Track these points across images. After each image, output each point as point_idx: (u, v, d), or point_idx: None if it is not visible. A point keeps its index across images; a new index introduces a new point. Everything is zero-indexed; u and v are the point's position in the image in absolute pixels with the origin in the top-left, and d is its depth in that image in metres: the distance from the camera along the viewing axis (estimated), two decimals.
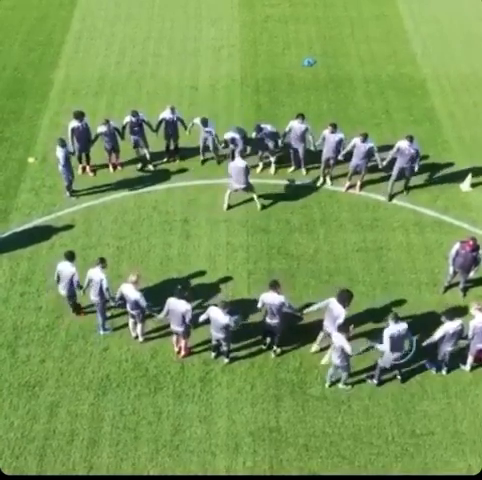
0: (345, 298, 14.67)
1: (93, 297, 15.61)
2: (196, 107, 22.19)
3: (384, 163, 19.03)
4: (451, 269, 16.59)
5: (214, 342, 15.32)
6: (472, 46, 25.24)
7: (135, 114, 19.22)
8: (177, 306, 14.73)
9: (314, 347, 15.82)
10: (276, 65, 24.26)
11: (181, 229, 18.54)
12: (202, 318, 14.95)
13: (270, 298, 14.86)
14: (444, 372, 15.42)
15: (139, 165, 20.40)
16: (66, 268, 15.57)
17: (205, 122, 19.48)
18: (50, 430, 14.44)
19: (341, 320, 14.54)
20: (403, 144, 18.58)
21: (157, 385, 15.22)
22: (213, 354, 15.69)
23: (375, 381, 15.18)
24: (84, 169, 20.01)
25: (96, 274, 15.31)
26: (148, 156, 20.22)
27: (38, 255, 17.81)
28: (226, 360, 15.61)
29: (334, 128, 18.85)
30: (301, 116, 19.16)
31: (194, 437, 14.37)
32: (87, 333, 16.14)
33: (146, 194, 19.57)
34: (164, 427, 14.54)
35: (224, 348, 15.33)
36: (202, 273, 17.40)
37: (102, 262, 15.36)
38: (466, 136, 21.60)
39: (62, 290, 15.89)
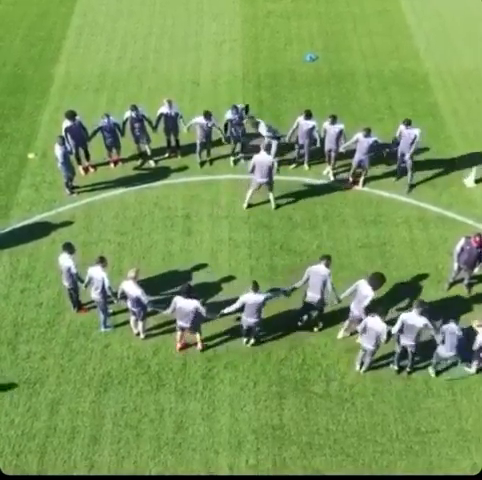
0: (376, 281, 14.82)
1: (94, 295, 15.46)
2: (197, 102, 22.03)
3: (387, 149, 19.24)
4: (456, 265, 16.45)
5: (245, 328, 15.28)
6: (475, 42, 25.08)
7: (134, 108, 19.03)
8: (185, 305, 14.60)
9: (341, 333, 15.81)
10: (278, 60, 24.11)
11: (183, 225, 18.39)
12: (235, 306, 14.86)
13: (317, 269, 15.02)
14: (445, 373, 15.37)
15: (140, 161, 20.24)
16: (65, 261, 15.44)
17: (209, 115, 19.22)
18: (51, 428, 14.31)
19: (367, 302, 14.67)
20: (402, 128, 18.81)
21: (159, 382, 15.08)
22: (245, 339, 15.68)
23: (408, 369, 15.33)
24: (86, 170, 19.86)
25: (97, 273, 15.15)
26: (149, 152, 20.07)
27: (39, 251, 17.67)
28: (252, 341, 15.61)
29: (334, 119, 18.82)
30: (308, 113, 19.01)
31: (196, 435, 14.24)
32: (88, 330, 16.00)
33: (147, 190, 19.42)
34: (166, 425, 14.41)
35: (256, 329, 15.32)
36: (204, 269, 17.24)
37: (102, 261, 15.18)
38: (469, 131, 21.46)
39: (64, 282, 15.80)
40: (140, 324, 15.65)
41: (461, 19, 26.17)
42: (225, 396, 14.86)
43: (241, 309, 14.92)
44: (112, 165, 20.09)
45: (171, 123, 19.60)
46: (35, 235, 18.06)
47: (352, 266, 17.37)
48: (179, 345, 15.59)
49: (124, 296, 15.21)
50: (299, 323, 16.08)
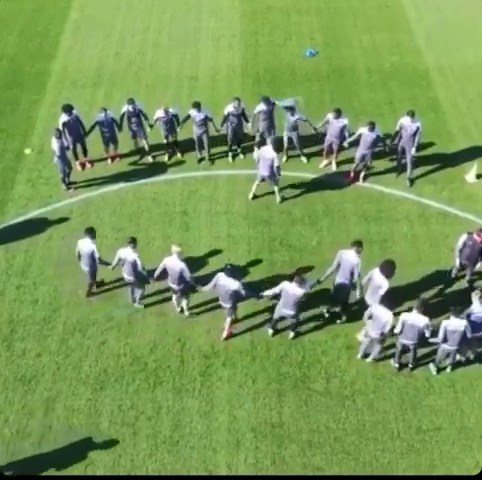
0: (388, 269, 14.65)
1: (127, 276, 15.49)
2: (196, 98, 21.65)
3: (389, 143, 18.99)
4: (457, 261, 16.23)
5: (276, 317, 15.14)
6: (476, 36, 24.83)
7: (131, 102, 18.76)
8: (227, 284, 14.63)
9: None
10: (277, 56, 23.87)
11: (181, 221, 18.18)
12: (273, 291, 14.81)
13: (347, 255, 15.02)
14: (448, 370, 15.13)
15: (138, 157, 20.01)
16: (86, 245, 15.50)
17: (198, 105, 18.88)
18: (46, 426, 14.10)
19: (383, 291, 14.53)
20: (405, 121, 18.56)
21: (156, 379, 14.87)
22: (270, 331, 15.52)
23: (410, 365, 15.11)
24: (83, 166, 19.66)
25: (128, 254, 15.18)
26: (147, 147, 19.86)
27: (35, 247, 17.46)
28: (292, 334, 15.52)
29: (338, 114, 18.61)
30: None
31: (194, 433, 14.03)
32: (84, 327, 15.80)
33: (145, 186, 19.21)
34: (163, 422, 14.19)
35: (293, 323, 15.25)
36: (202, 265, 17.00)
37: (133, 242, 15.23)
38: (471, 127, 21.25)
39: (84, 266, 15.81)
40: (184, 301, 15.65)
41: (462, 14, 25.90)
42: (223, 394, 14.65)
43: (277, 296, 14.87)
44: (109, 161, 19.87)
45: (169, 127, 19.28)
46: (31, 231, 17.87)
47: None
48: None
49: (165, 273, 15.17)
50: (326, 314, 16.02)
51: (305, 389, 14.76)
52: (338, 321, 15.93)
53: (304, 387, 14.80)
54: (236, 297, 14.90)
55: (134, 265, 15.18)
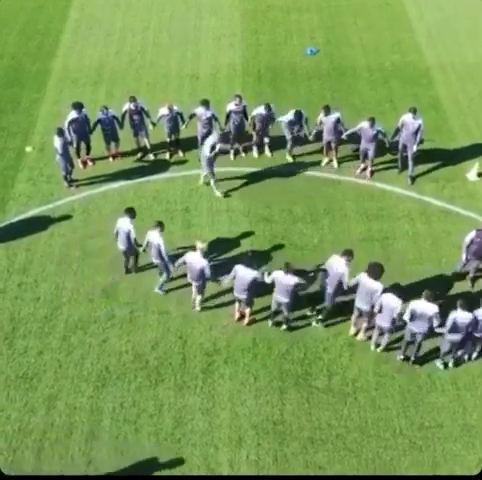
0: (376, 271, 14.49)
1: (154, 259, 15.79)
2: (197, 97, 21.66)
3: (390, 139, 18.92)
4: (464, 256, 16.19)
5: (274, 307, 15.27)
6: (477, 35, 24.88)
7: (133, 100, 18.78)
8: (244, 274, 14.76)
9: (352, 329, 15.58)
10: (278, 54, 23.89)
11: (182, 219, 18.17)
12: (267, 281, 14.95)
13: (335, 263, 14.93)
14: (451, 364, 15.11)
15: (139, 155, 20.00)
16: (124, 224, 15.81)
17: (206, 103, 18.91)
18: (48, 423, 14.06)
19: (379, 293, 14.45)
20: (407, 118, 18.53)
21: (158, 377, 14.84)
22: (270, 322, 15.61)
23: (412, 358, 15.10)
24: (85, 164, 19.64)
25: (154, 237, 15.45)
26: (148, 145, 19.84)
27: (36, 245, 17.44)
28: (284, 326, 15.56)
29: (327, 110, 18.67)
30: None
31: (196, 430, 14.00)
32: (86, 324, 15.77)
33: (146, 184, 19.20)
34: (165, 420, 14.16)
35: (285, 313, 15.25)
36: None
37: (160, 225, 15.47)
38: (472, 125, 21.27)
39: (120, 245, 16.08)
40: (198, 297, 15.72)
41: (463, 12, 25.95)
42: (225, 391, 14.63)
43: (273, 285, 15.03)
44: (111, 159, 19.86)
45: (172, 125, 19.30)
46: (32, 229, 17.84)
47: (354, 260, 17.03)
48: (237, 315, 15.74)
49: (184, 263, 15.30)
50: (309, 312, 16.03)
51: (307, 386, 14.74)
52: (313, 323, 15.79)
53: (306, 384, 14.78)
54: (254, 287, 15.01)
55: (158, 249, 15.36)
